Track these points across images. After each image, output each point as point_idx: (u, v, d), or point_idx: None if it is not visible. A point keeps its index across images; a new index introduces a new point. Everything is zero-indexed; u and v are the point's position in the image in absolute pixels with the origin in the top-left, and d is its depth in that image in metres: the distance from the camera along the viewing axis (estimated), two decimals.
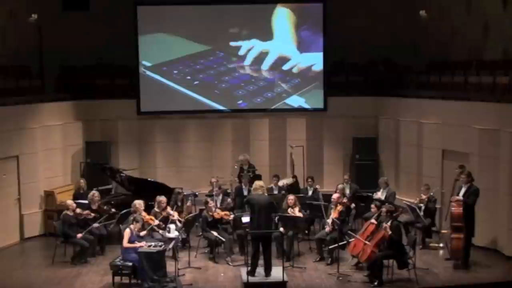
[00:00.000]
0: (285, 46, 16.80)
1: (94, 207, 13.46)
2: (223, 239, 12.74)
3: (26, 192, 14.70)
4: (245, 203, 12.37)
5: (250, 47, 16.71)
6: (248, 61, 16.76)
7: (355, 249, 12.08)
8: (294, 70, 16.84)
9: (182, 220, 12.91)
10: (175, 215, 13.00)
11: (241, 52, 16.73)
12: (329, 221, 12.73)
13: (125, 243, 11.60)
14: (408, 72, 16.81)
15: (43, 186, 15.05)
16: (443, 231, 13.45)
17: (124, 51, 16.39)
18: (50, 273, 12.40)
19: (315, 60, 16.80)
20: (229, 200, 14.13)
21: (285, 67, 16.83)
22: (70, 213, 12.97)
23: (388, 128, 16.50)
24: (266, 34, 16.75)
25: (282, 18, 16.78)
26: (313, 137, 16.93)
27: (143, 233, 12.00)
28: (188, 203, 13.82)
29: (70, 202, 13.20)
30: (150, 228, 12.52)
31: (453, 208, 12.36)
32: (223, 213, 13.15)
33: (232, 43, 16.69)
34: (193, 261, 12.72)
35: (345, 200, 13.02)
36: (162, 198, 13.19)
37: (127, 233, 11.67)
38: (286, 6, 16.81)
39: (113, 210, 13.69)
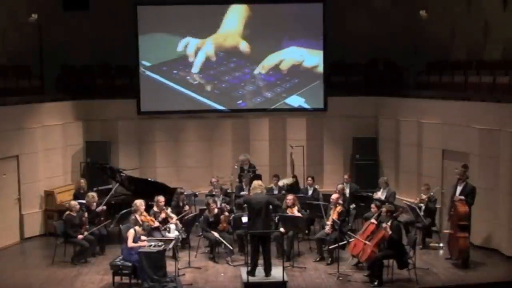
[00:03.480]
0: (284, 45, 16.81)
1: (92, 208, 13.45)
2: (230, 247, 12.71)
3: (26, 192, 14.69)
4: (243, 203, 12.30)
5: (249, 46, 16.74)
6: (247, 60, 16.77)
7: (355, 249, 12.08)
8: (294, 70, 16.84)
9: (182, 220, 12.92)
10: (173, 219, 12.96)
11: (241, 53, 16.76)
12: (329, 222, 12.73)
13: (130, 243, 11.56)
14: (408, 72, 16.82)
15: (43, 186, 15.04)
16: (445, 231, 13.45)
17: (124, 51, 16.39)
18: (50, 273, 12.40)
19: (315, 60, 16.80)
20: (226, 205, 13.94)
21: (285, 66, 16.83)
22: (74, 213, 12.96)
23: (388, 128, 16.49)
24: (265, 33, 16.75)
25: (281, 18, 16.79)
26: (313, 137, 16.93)
27: (144, 237, 11.95)
28: (186, 207, 13.80)
29: (74, 203, 13.19)
30: (151, 228, 12.54)
31: (458, 207, 12.36)
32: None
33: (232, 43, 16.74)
34: (193, 261, 12.72)
35: (339, 208, 12.89)
36: (160, 198, 13.18)
37: (131, 233, 11.65)
38: (286, 5, 16.84)
39: (104, 208, 13.63)
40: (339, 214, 12.67)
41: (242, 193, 14.32)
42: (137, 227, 11.82)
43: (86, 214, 13.13)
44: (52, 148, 15.44)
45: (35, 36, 16.25)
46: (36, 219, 14.90)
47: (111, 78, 17.13)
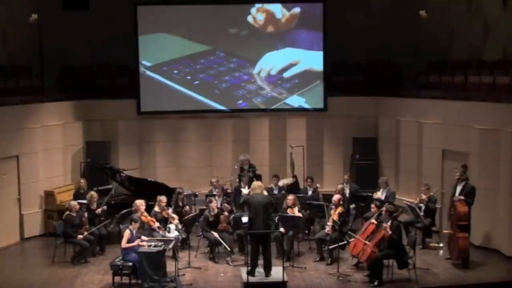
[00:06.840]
0: (284, 45, 16.80)
1: (93, 207, 13.45)
2: (228, 248, 12.71)
3: (26, 192, 14.69)
4: (243, 203, 12.29)
5: (249, 46, 16.72)
6: (247, 60, 16.77)
7: (355, 249, 12.08)
8: (294, 70, 16.84)
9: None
10: (175, 219, 12.95)
11: (242, 53, 16.75)
12: (329, 223, 12.72)
13: (124, 243, 11.57)
14: (408, 72, 16.81)
15: (43, 186, 15.03)
16: (445, 231, 13.45)
17: (124, 51, 16.39)
18: (50, 273, 12.41)
19: (315, 60, 16.78)
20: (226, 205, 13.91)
21: (285, 67, 16.82)
22: (73, 213, 12.97)
23: (388, 128, 16.49)
24: (265, 33, 16.76)
25: (281, 18, 16.79)
26: (313, 137, 16.93)
27: (144, 237, 11.93)
28: (187, 208, 13.80)
29: (74, 203, 13.19)
30: (152, 229, 12.54)
31: (458, 207, 12.36)
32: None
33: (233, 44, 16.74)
34: (193, 261, 12.72)
35: (340, 209, 12.92)
36: (163, 198, 13.18)
37: (127, 234, 11.65)
38: (286, 6, 16.84)
39: (104, 208, 13.62)
40: (340, 215, 12.66)
41: (242, 191, 14.27)
42: (131, 226, 11.78)
43: (86, 214, 13.13)
44: (52, 148, 15.43)
45: (35, 36, 16.25)
46: (36, 219, 14.89)
47: (111, 78, 17.13)
